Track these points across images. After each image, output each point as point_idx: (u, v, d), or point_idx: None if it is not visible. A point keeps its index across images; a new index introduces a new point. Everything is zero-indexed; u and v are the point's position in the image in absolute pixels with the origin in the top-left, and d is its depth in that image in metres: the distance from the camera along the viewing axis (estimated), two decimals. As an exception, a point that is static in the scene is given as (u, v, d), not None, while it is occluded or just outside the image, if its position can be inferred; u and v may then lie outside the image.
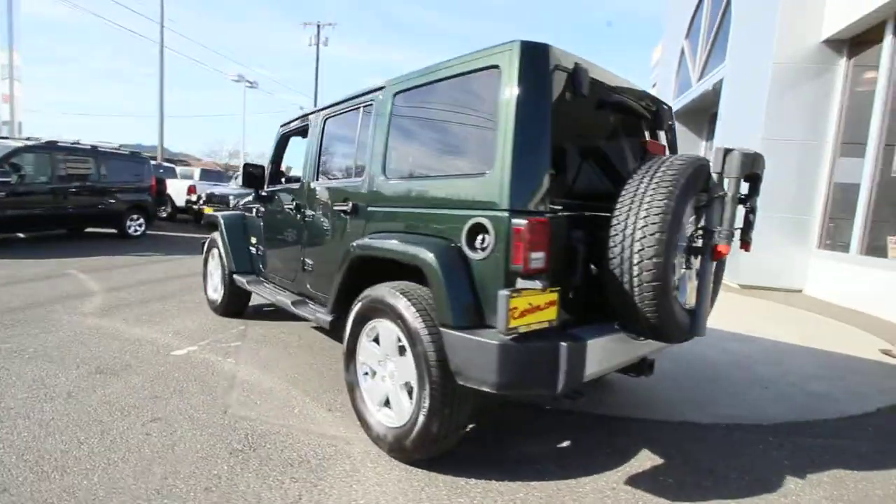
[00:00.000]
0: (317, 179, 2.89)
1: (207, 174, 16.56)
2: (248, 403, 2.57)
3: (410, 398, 2.01)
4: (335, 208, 2.59)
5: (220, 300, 4.18)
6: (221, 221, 4.06)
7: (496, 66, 1.81)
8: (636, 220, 1.72)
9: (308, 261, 2.92)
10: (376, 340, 2.22)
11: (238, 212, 4.22)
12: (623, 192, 1.82)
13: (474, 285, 1.79)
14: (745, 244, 2.07)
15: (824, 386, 3.21)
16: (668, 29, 12.98)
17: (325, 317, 2.60)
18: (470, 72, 1.93)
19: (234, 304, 4.18)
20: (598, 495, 1.91)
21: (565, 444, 2.34)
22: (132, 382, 2.74)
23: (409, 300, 1.95)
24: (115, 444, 2.08)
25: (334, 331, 2.61)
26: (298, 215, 3.03)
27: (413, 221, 2.11)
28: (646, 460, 2.21)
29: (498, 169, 1.74)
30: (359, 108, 2.60)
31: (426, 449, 1.94)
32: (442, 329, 1.80)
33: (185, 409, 2.44)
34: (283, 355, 3.34)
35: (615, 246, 1.77)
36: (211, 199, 12.39)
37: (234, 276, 3.93)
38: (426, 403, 1.85)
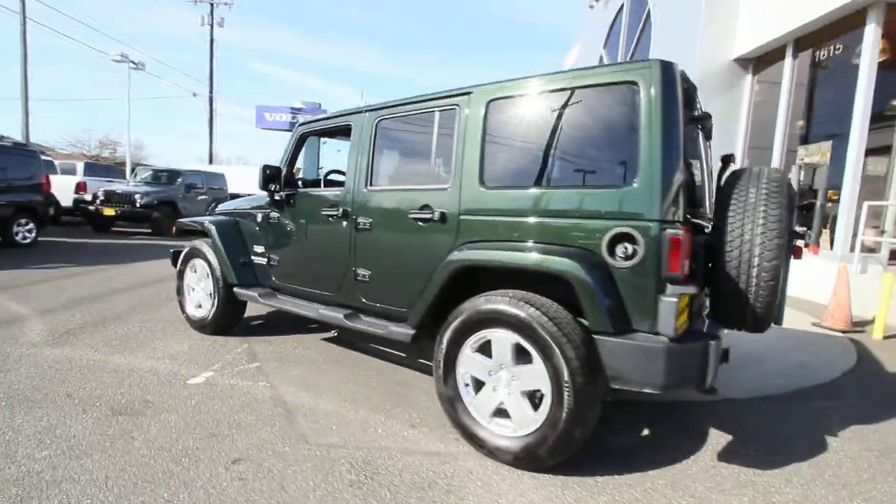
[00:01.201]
0: (371, 185, 2.71)
1: (93, 168, 14.27)
2: (324, 430, 2.36)
3: (535, 406, 2.03)
4: (411, 216, 2.47)
5: (209, 317, 3.72)
6: (213, 228, 3.60)
7: (633, 83, 1.88)
8: (754, 227, 1.92)
9: (362, 271, 2.74)
10: (482, 351, 2.19)
11: (227, 217, 3.78)
12: (732, 201, 2.01)
13: (619, 292, 1.86)
14: (815, 246, 2.40)
15: (804, 357, 3.83)
16: (585, 38, 14.03)
17: (405, 330, 2.48)
18: (596, 85, 1.98)
19: (228, 321, 3.76)
20: (707, 474, 2.11)
21: (646, 432, 2.52)
22: (169, 421, 2.36)
23: (538, 309, 1.96)
24: (214, 497, 1.80)
25: (413, 344, 2.51)
26: (345, 222, 2.81)
27: (526, 231, 2.11)
28: (719, 438, 2.47)
29: (645, 180, 1.82)
30: (433, 111, 2.49)
31: (563, 454, 1.97)
32: (596, 336, 1.85)
33: (260, 445, 2.18)
34: (317, 373, 3.10)
35: (732, 250, 1.96)
36: (111, 199, 10.81)
37: (236, 289, 3.52)
38: (567, 409, 1.88)
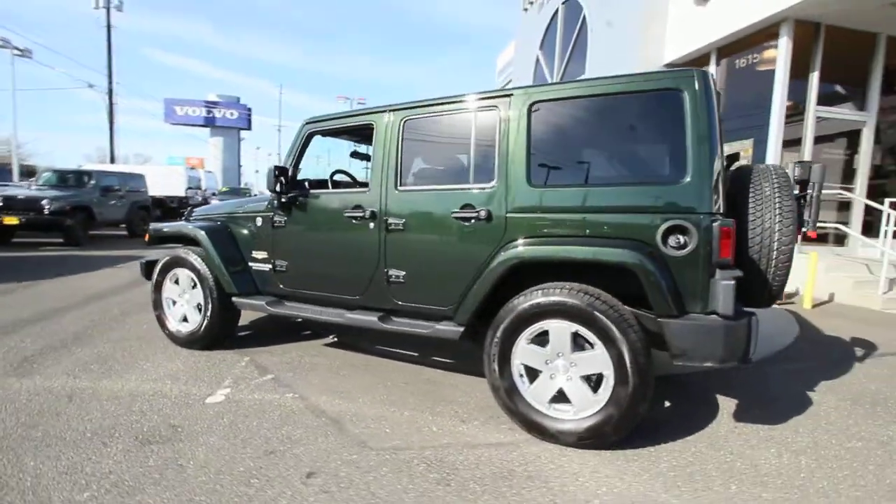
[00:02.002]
0: (402, 185, 2.69)
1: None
2: (379, 434, 2.33)
3: (595, 389, 2.18)
4: (454, 216, 2.50)
5: (199, 330, 3.44)
6: (204, 235, 3.34)
7: (677, 89, 2.08)
8: (773, 216, 2.21)
9: (394, 272, 2.71)
10: (536, 342, 2.29)
11: (215, 223, 3.51)
12: (750, 194, 2.29)
13: (674, 279, 2.06)
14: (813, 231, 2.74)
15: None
16: (520, 38, 14.58)
17: (454, 328, 2.51)
18: (641, 91, 2.16)
19: (222, 333, 3.51)
20: (734, 434, 2.40)
21: (668, 405, 2.79)
22: (212, 444, 2.19)
23: (598, 299, 2.11)
24: (307, 513, 1.73)
25: (462, 341, 2.55)
26: (372, 224, 2.76)
27: (576, 227, 2.24)
28: (727, 403, 2.80)
29: (696, 177, 2.03)
30: (469, 111, 2.53)
31: (627, 430, 2.14)
32: (661, 319, 2.03)
33: (325, 456, 2.11)
34: (339, 379, 3.02)
35: (755, 237, 2.24)
36: (12, 206, 9.41)
37: (236, 299, 3.30)
38: (633, 388, 2.06)
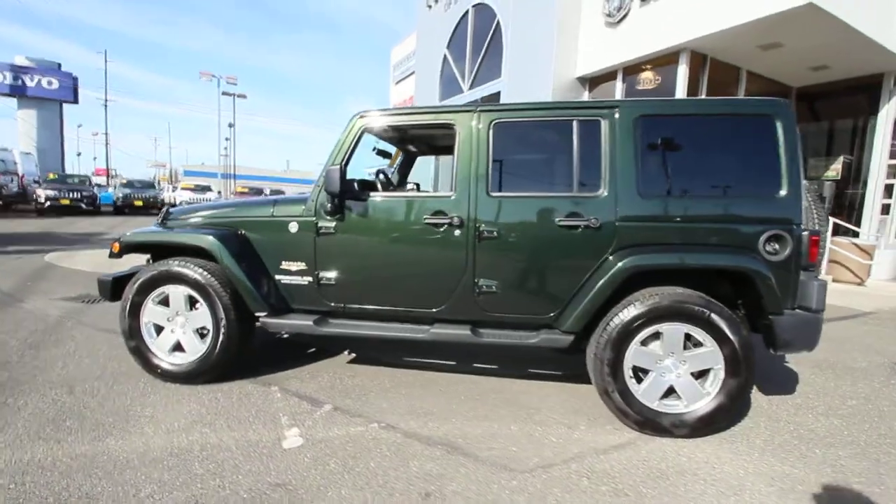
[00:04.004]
0: (494, 191, 2.55)
1: None
2: (509, 455, 2.22)
3: (704, 383, 2.41)
4: (560, 224, 2.47)
5: (209, 360, 2.79)
6: (219, 244, 2.72)
7: (768, 115, 2.38)
8: (812, 223, 2.68)
9: (485, 282, 2.57)
10: (644, 344, 2.43)
11: (226, 230, 2.89)
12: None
13: (776, 281, 2.36)
14: None
15: None
16: (422, 35, 14.60)
17: (562, 336, 2.50)
18: (738, 115, 2.41)
19: (233, 361, 2.92)
20: (776, 406, 2.87)
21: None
22: (349, 497, 1.85)
23: (711, 302, 2.33)
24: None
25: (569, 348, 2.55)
26: (458, 231, 2.57)
27: (683, 235, 2.41)
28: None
29: (790, 191, 2.35)
30: (570, 120, 2.52)
31: (733, 417, 2.41)
32: (772, 316, 2.32)
33: (485, 489, 1.94)
34: (409, 399, 2.76)
35: (801, 240, 2.69)
36: None
37: (267, 320, 2.78)
38: (743, 378, 2.32)
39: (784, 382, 3.29)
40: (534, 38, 9.56)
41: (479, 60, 11.63)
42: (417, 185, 4.18)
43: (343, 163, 2.71)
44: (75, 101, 27.83)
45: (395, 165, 3.98)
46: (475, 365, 3.38)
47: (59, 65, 27.16)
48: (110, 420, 2.41)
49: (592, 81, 9.37)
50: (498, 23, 10.75)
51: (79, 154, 46.71)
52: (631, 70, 8.65)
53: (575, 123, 2.53)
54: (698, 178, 2.46)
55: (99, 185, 24.44)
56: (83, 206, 16.27)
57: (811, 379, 3.38)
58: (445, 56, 13.07)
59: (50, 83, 26.24)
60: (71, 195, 16.13)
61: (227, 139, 35.72)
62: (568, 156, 2.54)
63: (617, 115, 2.49)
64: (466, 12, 12.00)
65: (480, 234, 2.56)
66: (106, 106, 34.60)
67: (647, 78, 8.43)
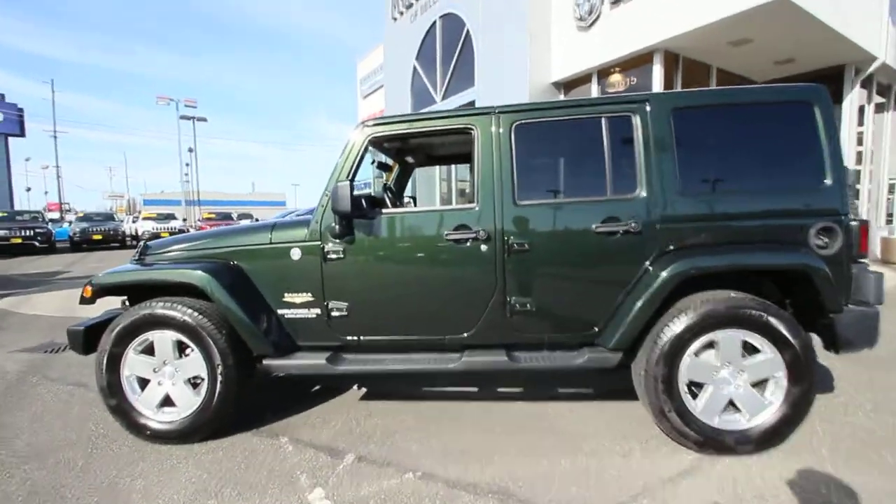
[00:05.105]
0: (521, 199, 2.32)
1: None
2: (583, 497, 1.96)
3: (764, 392, 2.22)
4: (597, 230, 2.25)
5: (206, 413, 2.42)
6: (211, 279, 2.38)
7: (806, 102, 2.24)
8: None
9: (518, 300, 2.32)
10: (696, 354, 2.23)
11: (216, 262, 2.54)
12: None
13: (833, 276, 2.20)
14: None
15: None
16: (389, 47, 14.44)
17: (609, 355, 2.27)
18: (775, 102, 2.27)
19: (230, 411, 2.55)
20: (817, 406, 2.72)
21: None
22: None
23: (769, 305, 2.15)
24: None
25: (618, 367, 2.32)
26: (485, 246, 2.32)
27: (732, 234, 2.24)
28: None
29: (835, 181, 2.21)
30: (597, 116, 2.31)
31: (799, 424, 2.22)
32: (833, 315, 2.15)
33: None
34: (438, 441, 2.45)
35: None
36: None
37: (270, 361, 2.45)
38: (807, 384, 2.15)
39: (820, 378, 3.15)
40: (506, 45, 9.50)
41: (450, 70, 11.52)
42: (413, 198, 3.92)
43: (351, 178, 2.42)
44: (22, 134, 26.28)
45: (391, 179, 3.71)
46: (500, 389, 3.11)
47: (3, 96, 25.66)
48: (94, 499, 2.02)
49: (567, 86, 9.37)
50: (468, 32, 10.68)
51: (28, 189, 44.17)
52: (605, 73, 8.68)
53: (603, 120, 2.33)
54: (739, 171, 2.29)
55: (52, 221, 23.02)
56: (37, 244, 15.18)
57: (844, 373, 3.27)
58: (415, 67, 12.92)
59: (-8, 116, 24.71)
60: (23, 233, 15.05)
61: (187, 164, 34.49)
62: (598, 156, 2.34)
63: (648, 109, 2.31)
64: (434, 23, 11.91)
65: (510, 247, 2.31)
66: (55, 137, 32.89)
67: (621, 80, 8.47)
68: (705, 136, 2.32)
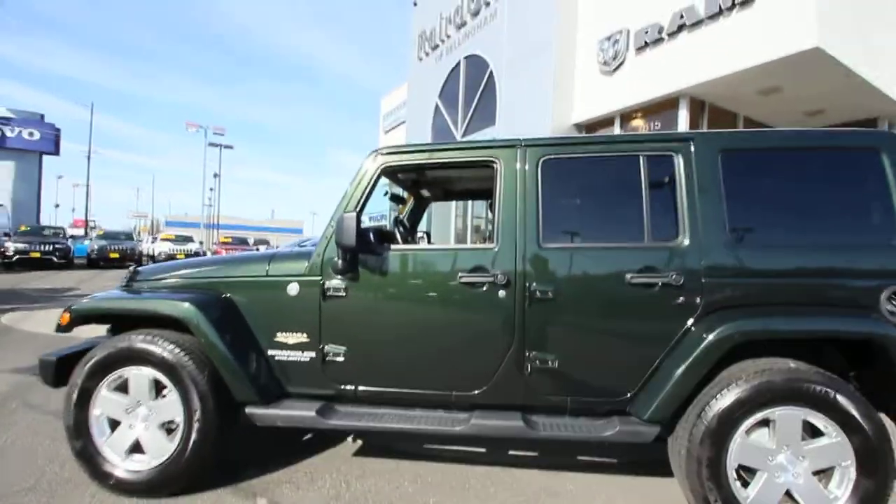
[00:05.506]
0: (546, 241, 2.07)
1: None
2: None
3: (828, 485, 1.86)
4: (632, 281, 1.98)
5: (179, 463, 2.15)
6: (196, 311, 2.15)
7: (874, 149, 1.99)
8: None
9: (538, 355, 2.03)
10: (750, 435, 1.89)
11: (204, 294, 2.32)
12: None
13: None
14: None
15: None
16: (413, 85, 14.75)
17: (647, 429, 1.94)
18: (838, 148, 2.02)
19: (206, 465, 2.25)
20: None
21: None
22: None
23: (833, 378, 1.83)
24: None
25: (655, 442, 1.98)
26: (503, 292, 2.06)
27: (789, 293, 1.95)
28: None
29: (912, 239, 1.92)
30: (634, 155, 2.09)
31: None
32: None
33: None
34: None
35: None
36: None
37: (253, 410, 2.17)
38: (882, 476, 1.79)
39: None
40: (529, 85, 9.54)
41: (472, 109, 11.61)
42: (428, 234, 3.70)
43: (359, 210, 2.21)
44: (56, 152, 27.30)
45: (404, 213, 3.51)
46: (511, 452, 2.75)
47: (42, 116, 26.85)
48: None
49: (589, 128, 9.29)
50: (491, 72, 10.81)
51: (57, 205, 45.47)
52: (628, 116, 8.58)
53: (641, 159, 2.10)
54: (797, 222, 2.02)
55: (74, 237, 23.48)
56: (55, 258, 15.36)
57: None
58: (437, 105, 13.09)
59: (31, 134, 25.78)
60: (42, 248, 15.26)
61: (211, 189, 35.28)
62: (635, 197, 2.09)
63: (693, 149, 2.07)
64: (458, 63, 12.12)
65: (532, 294, 2.05)
66: (89, 157, 34.15)
67: (643, 125, 8.35)
68: (758, 181, 2.07)
